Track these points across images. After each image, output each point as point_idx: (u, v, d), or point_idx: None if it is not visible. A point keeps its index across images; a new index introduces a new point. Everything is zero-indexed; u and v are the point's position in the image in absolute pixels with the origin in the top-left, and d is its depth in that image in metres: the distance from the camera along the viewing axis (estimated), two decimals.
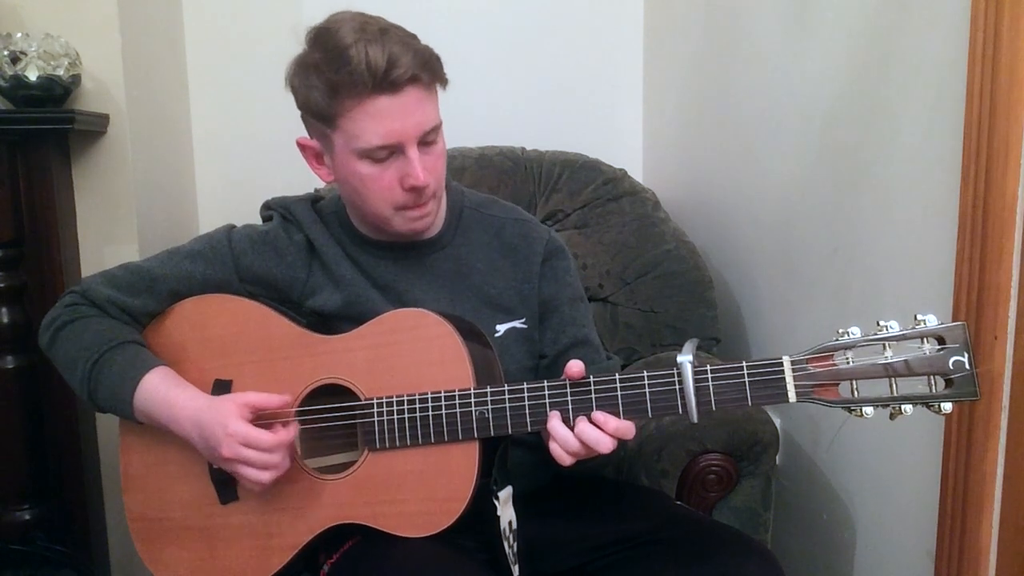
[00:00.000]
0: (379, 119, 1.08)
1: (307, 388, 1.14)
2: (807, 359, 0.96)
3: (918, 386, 0.93)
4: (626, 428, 1.00)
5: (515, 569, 1.08)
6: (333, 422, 1.13)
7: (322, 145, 1.16)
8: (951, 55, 1.16)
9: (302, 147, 1.19)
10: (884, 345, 0.93)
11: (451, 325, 1.10)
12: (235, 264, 1.22)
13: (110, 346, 1.14)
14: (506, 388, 1.05)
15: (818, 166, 1.52)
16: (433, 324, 1.10)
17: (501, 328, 1.23)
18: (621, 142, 2.26)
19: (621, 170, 1.92)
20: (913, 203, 1.28)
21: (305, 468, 1.14)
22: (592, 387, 1.02)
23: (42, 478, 1.71)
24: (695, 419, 0.98)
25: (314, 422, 1.14)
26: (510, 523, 1.10)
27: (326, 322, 1.20)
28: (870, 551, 1.44)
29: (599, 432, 1.00)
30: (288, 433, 1.08)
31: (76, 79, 1.68)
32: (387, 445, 1.09)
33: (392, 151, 1.11)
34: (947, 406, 0.92)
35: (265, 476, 1.07)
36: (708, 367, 0.98)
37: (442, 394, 1.07)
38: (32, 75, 1.61)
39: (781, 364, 0.96)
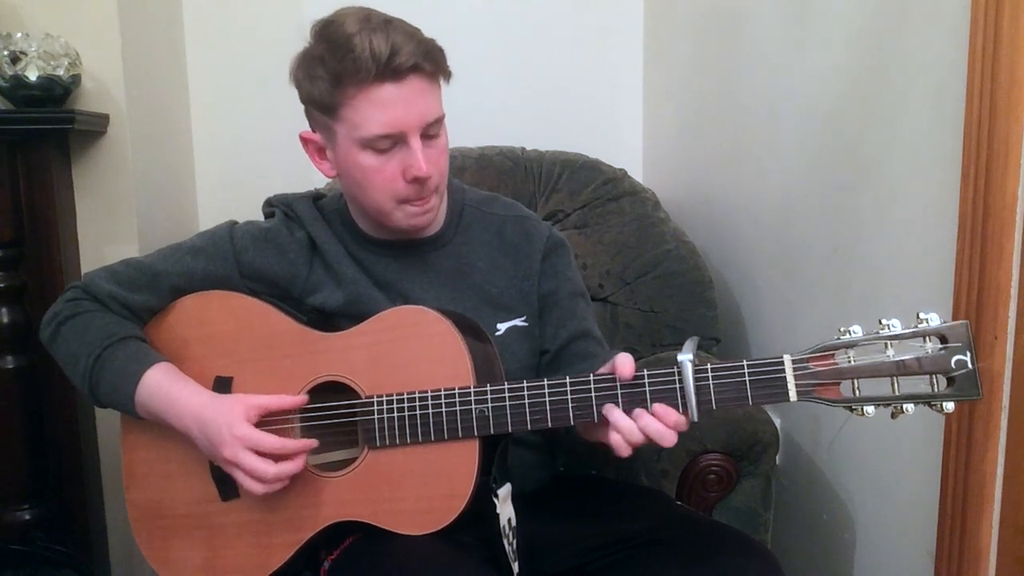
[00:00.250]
0: (382, 107, 1.08)
1: (307, 385, 1.14)
2: (808, 358, 0.95)
3: (920, 385, 0.93)
4: (684, 422, 1.00)
5: (515, 567, 1.08)
6: (333, 419, 1.13)
7: (325, 138, 1.16)
8: (951, 55, 1.16)
9: (305, 141, 1.19)
10: (886, 344, 0.93)
11: (451, 322, 1.10)
12: (236, 260, 1.22)
13: (112, 342, 1.14)
14: (506, 386, 1.05)
15: (818, 166, 1.52)
16: (433, 321, 1.10)
17: (502, 327, 1.23)
18: (621, 142, 2.26)
19: (621, 170, 1.92)
20: (913, 203, 1.28)
21: (306, 466, 1.14)
22: (592, 385, 1.02)
23: (42, 478, 1.71)
24: (696, 418, 0.98)
25: (314, 419, 1.14)
26: (509, 521, 1.10)
27: (327, 319, 1.20)
28: (870, 551, 1.44)
29: (662, 425, 0.99)
30: (294, 444, 1.07)
31: (76, 79, 1.68)
32: (387, 443, 1.09)
33: (395, 141, 1.11)
34: (949, 405, 0.92)
35: (259, 487, 1.07)
36: (709, 365, 0.98)
37: (442, 392, 1.07)
38: (32, 75, 1.61)
39: (782, 363, 0.96)
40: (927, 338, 0.92)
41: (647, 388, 1.00)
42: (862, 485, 1.45)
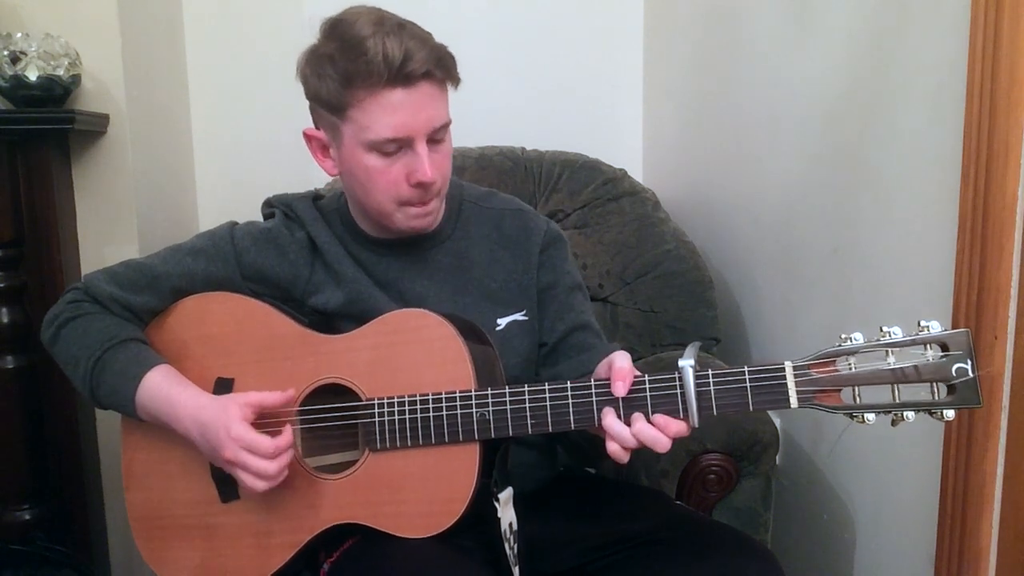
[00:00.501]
0: (391, 111, 1.08)
1: (308, 387, 1.14)
2: (809, 364, 0.95)
3: (920, 392, 0.93)
4: (684, 430, 1.00)
5: (515, 570, 1.08)
6: (334, 422, 1.13)
7: (330, 136, 1.16)
8: (951, 55, 1.16)
9: (308, 138, 1.19)
10: (887, 351, 0.93)
11: (453, 326, 1.10)
12: (237, 261, 1.22)
13: (112, 344, 1.14)
14: (507, 390, 1.05)
15: (818, 166, 1.52)
16: (435, 325, 1.10)
17: (502, 322, 1.23)
18: (621, 142, 2.26)
19: (621, 170, 1.92)
20: (913, 203, 1.28)
21: (306, 468, 1.14)
22: (593, 389, 1.02)
23: (42, 478, 1.71)
24: (696, 423, 0.98)
25: (315, 422, 1.14)
26: (510, 524, 1.10)
27: (328, 320, 1.20)
28: (870, 551, 1.44)
29: (658, 432, 0.99)
30: (286, 439, 1.08)
31: (76, 79, 1.68)
32: (388, 446, 1.09)
33: (401, 145, 1.11)
34: (950, 413, 0.92)
35: (260, 485, 1.07)
36: (710, 371, 0.98)
37: (443, 395, 1.07)
38: (32, 75, 1.61)
39: (783, 369, 0.96)
40: (928, 346, 0.92)
41: (648, 393, 1.00)
42: (862, 485, 1.45)
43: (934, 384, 0.92)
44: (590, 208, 1.86)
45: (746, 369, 0.97)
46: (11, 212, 1.64)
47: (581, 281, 1.32)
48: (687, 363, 0.97)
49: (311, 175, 1.51)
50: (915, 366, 0.92)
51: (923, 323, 0.92)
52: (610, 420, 1.00)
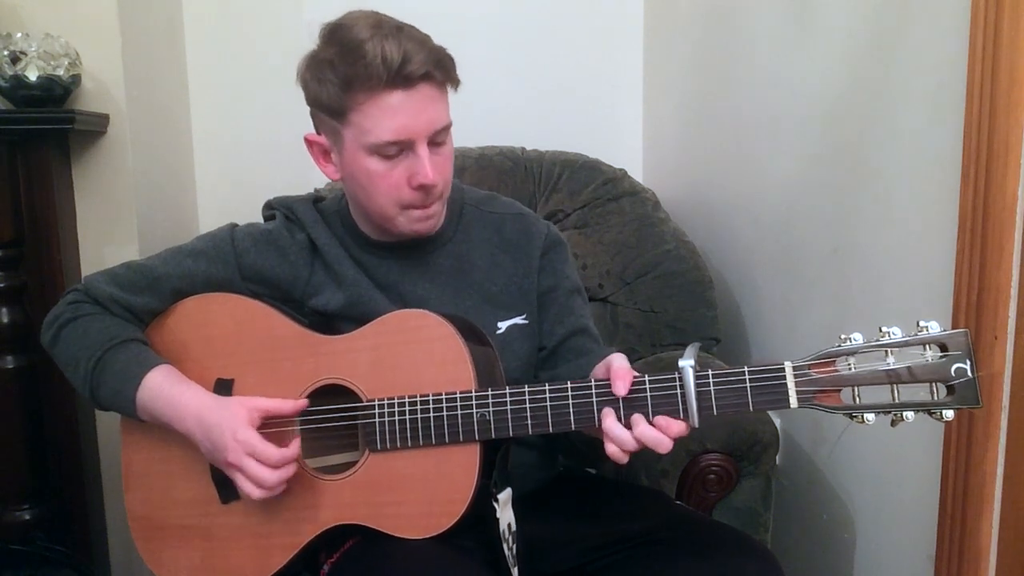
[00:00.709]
0: (391, 114, 1.08)
1: (309, 388, 1.14)
2: (809, 364, 0.95)
3: (920, 393, 0.93)
4: (685, 430, 1.00)
5: (514, 571, 1.08)
6: (334, 423, 1.13)
7: (331, 141, 1.16)
8: (951, 55, 1.16)
9: (309, 143, 1.19)
10: (886, 351, 0.93)
11: (453, 326, 1.10)
12: (238, 262, 1.22)
13: (112, 344, 1.14)
14: (507, 391, 1.05)
15: (818, 166, 1.52)
16: (435, 325, 1.10)
17: (503, 325, 1.23)
18: (621, 142, 2.26)
19: (621, 170, 1.92)
20: (913, 203, 1.28)
21: (306, 468, 1.14)
22: (593, 390, 1.02)
23: (42, 478, 1.71)
24: (696, 424, 0.98)
25: (315, 422, 1.14)
26: (509, 525, 1.10)
27: (328, 322, 1.20)
28: (870, 551, 1.44)
29: (660, 434, 0.99)
30: (293, 451, 1.08)
31: (76, 79, 1.68)
32: (388, 446, 1.09)
33: (402, 148, 1.11)
34: (949, 413, 0.92)
35: (257, 493, 1.07)
36: (710, 372, 0.98)
37: (443, 396, 1.07)
38: (32, 75, 1.61)
39: (783, 369, 0.96)
40: (927, 346, 0.92)
41: (648, 393, 1.00)
42: (862, 485, 1.45)
43: (933, 384, 0.92)
44: (590, 208, 1.86)
45: (746, 369, 0.97)
46: (11, 212, 1.64)
47: (580, 285, 1.32)
48: (687, 363, 0.97)
49: (311, 176, 1.51)
50: (914, 366, 0.92)
51: (922, 323, 0.92)
52: (610, 422, 1.00)
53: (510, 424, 1.05)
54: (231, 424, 1.07)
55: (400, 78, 1.06)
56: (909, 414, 0.93)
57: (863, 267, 1.40)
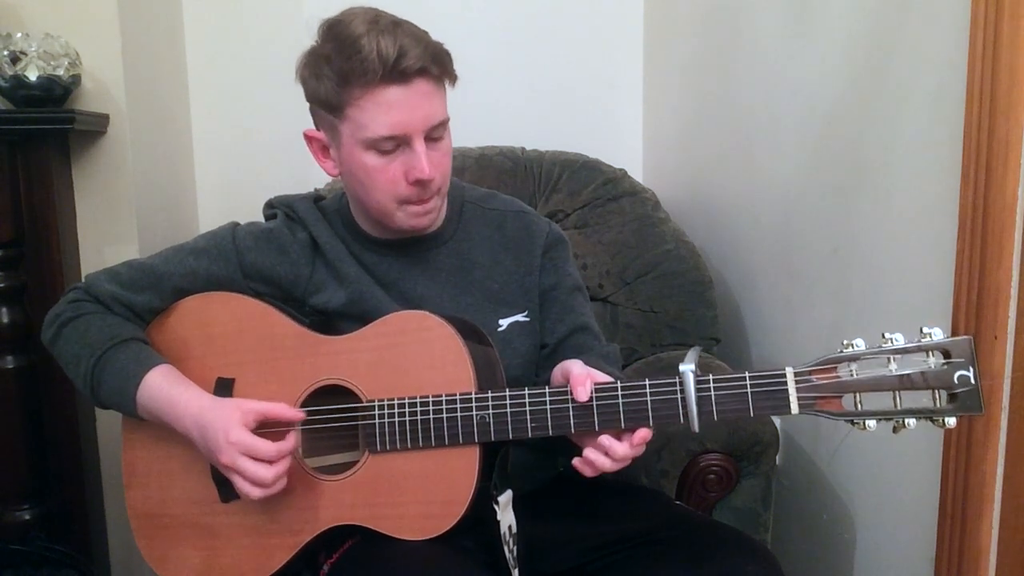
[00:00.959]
0: (387, 109, 1.08)
1: (309, 388, 1.14)
2: (811, 370, 0.95)
3: (922, 399, 0.92)
4: (629, 453, 1.01)
5: (515, 573, 1.08)
6: (334, 423, 1.13)
7: (329, 137, 1.16)
8: (951, 55, 1.16)
9: (309, 139, 1.20)
10: (889, 358, 0.92)
11: (453, 328, 1.10)
12: (239, 261, 1.22)
13: (113, 343, 1.15)
14: (507, 393, 1.05)
15: (818, 166, 1.52)
16: (436, 326, 1.10)
17: (504, 322, 1.23)
18: (621, 142, 2.26)
19: (621, 170, 1.92)
20: (913, 203, 1.28)
21: (306, 468, 1.14)
22: (593, 396, 1.02)
23: (42, 478, 1.71)
24: (696, 428, 0.98)
25: (315, 423, 1.14)
26: (510, 527, 1.10)
27: (330, 320, 1.20)
28: (870, 551, 1.44)
29: (603, 457, 1.01)
30: (288, 444, 1.08)
31: (76, 79, 1.68)
32: (388, 447, 1.09)
33: (399, 143, 1.11)
34: (951, 420, 0.91)
35: (256, 492, 1.06)
36: (711, 376, 0.98)
37: (443, 397, 1.07)
38: (32, 75, 1.61)
39: (784, 375, 0.96)
40: (930, 353, 0.92)
41: (648, 397, 1.00)
42: (862, 485, 1.45)
43: (936, 391, 0.92)
44: (590, 208, 1.86)
45: (747, 375, 0.97)
46: (11, 212, 1.64)
47: (582, 283, 1.33)
48: (688, 368, 0.97)
49: (311, 175, 1.51)
50: (917, 373, 0.91)
51: (925, 330, 0.91)
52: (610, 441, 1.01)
53: (509, 427, 1.05)
54: (224, 425, 1.07)
55: (396, 73, 1.07)
56: (911, 421, 0.93)
57: (863, 267, 1.40)
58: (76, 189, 1.75)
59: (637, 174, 2.09)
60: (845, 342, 0.94)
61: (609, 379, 1.04)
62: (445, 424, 1.07)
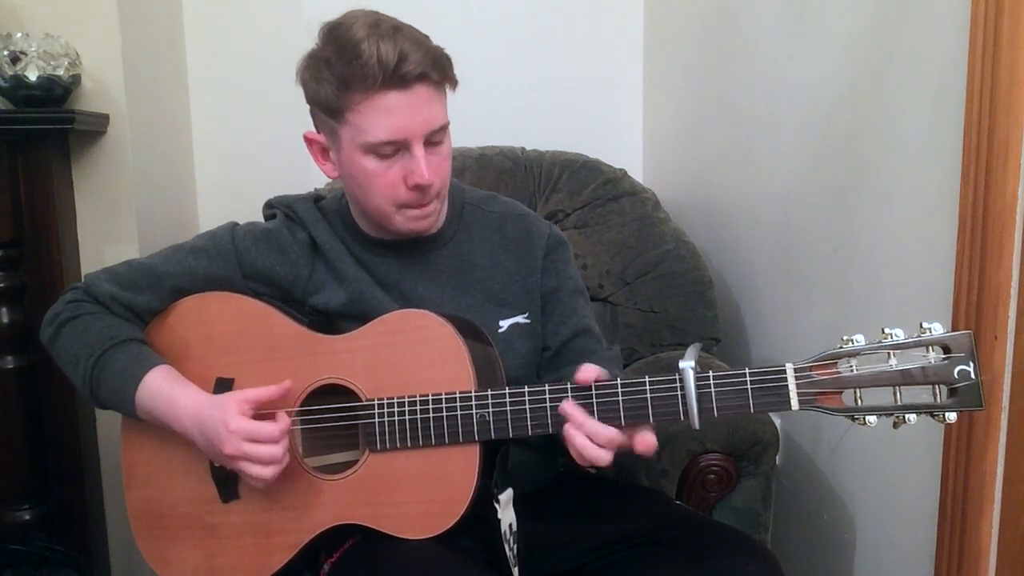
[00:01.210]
0: (387, 114, 1.08)
1: (308, 387, 1.14)
2: (811, 366, 0.95)
3: (922, 395, 0.92)
4: (615, 438, 1.00)
5: (515, 571, 1.08)
6: (334, 422, 1.13)
7: (329, 140, 1.16)
8: (951, 55, 1.16)
9: (309, 141, 1.20)
10: (888, 353, 0.92)
11: (453, 326, 1.10)
12: (238, 261, 1.22)
13: (112, 344, 1.15)
14: (507, 391, 1.05)
15: (818, 166, 1.52)
16: (435, 325, 1.10)
17: (504, 324, 1.23)
18: (621, 142, 2.26)
19: (621, 170, 1.92)
20: (913, 203, 1.28)
21: (306, 468, 1.14)
22: (593, 392, 1.02)
23: (42, 478, 1.71)
24: (696, 425, 0.97)
25: (315, 422, 1.14)
26: (510, 526, 1.10)
27: (329, 320, 1.20)
28: (870, 551, 1.44)
29: (588, 443, 1.00)
30: (284, 422, 1.08)
31: (76, 79, 1.68)
32: (388, 446, 1.09)
33: (398, 148, 1.11)
34: (951, 415, 0.91)
35: (268, 472, 1.07)
36: (710, 373, 0.98)
37: (443, 396, 1.07)
38: (32, 75, 1.61)
39: (784, 371, 0.96)
40: (930, 348, 0.91)
41: (648, 395, 1.00)
42: (862, 485, 1.45)
43: (936, 386, 0.92)
44: (590, 208, 1.85)
45: (747, 371, 0.97)
46: (11, 212, 1.64)
47: (583, 285, 1.33)
48: (688, 364, 0.97)
49: (311, 175, 1.51)
50: (917, 368, 0.91)
51: (925, 325, 0.91)
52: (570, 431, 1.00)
53: (509, 425, 1.05)
54: (222, 417, 1.07)
55: (396, 78, 1.06)
56: (911, 416, 0.92)
57: (863, 267, 1.40)
58: (76, 189, 1.75)
59: (637, 174, 2.09)
60: (845, 338, 0.94)
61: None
62: (445, 423, 1.07)
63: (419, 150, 1.11)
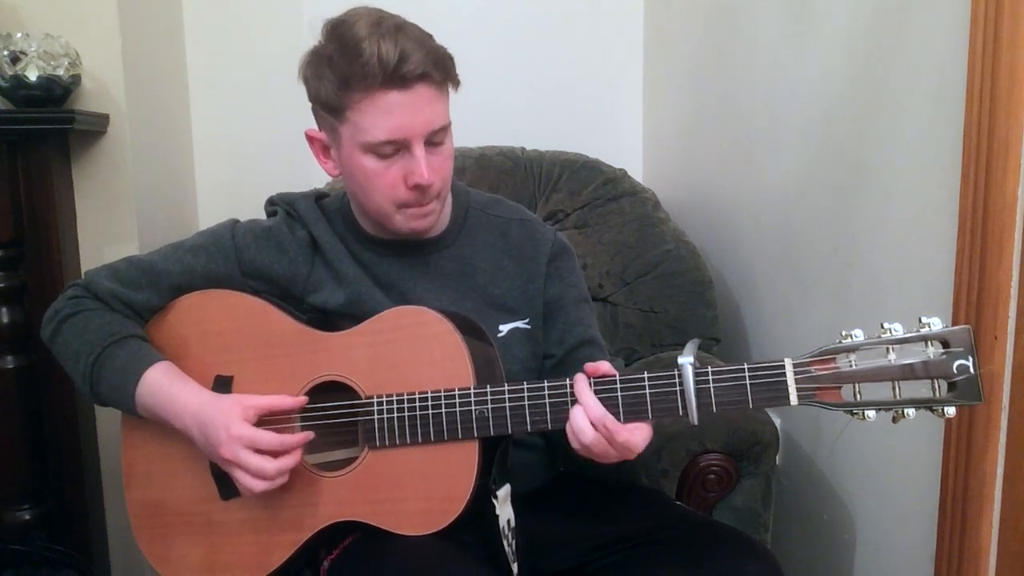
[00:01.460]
0: (387, 113, 1.08)
1: (307, 385, 1.14)
2: (810, 361, 0.95)
3: (921, 389, 0.92)
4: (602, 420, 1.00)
5: (514, 567, 1.08)
6: (333, 419, 1.13)
7: (330, 138, 1.16)
8: (951, 55, 1.16)
9: (310, 139, 1.20)
10: (888, 348, 0.92)
11: (451, 323, 1.10)
12: (237, 258, 1.22)
13: (112, 340, 1.15)
14: (506, 388, 1.05)
15: (818, 166, 1.52)
16: (434, 322, 1.10)
17: (504, 328, 1.23)
18: (621, 142, 2.26)
19: (621, 170, 1.92)
20: (913, 203, 1.28)
21: (305, 465, 1.14)
22: (592, 387, 1.02)
23: (42, 478, 1.71)
24: (695, 421, 0.97)
25: (314, 419, 1.14)
26: (509, 522, 1.10)
27: (328, 319, 1.20)
28: (870, 551, 1.44)
29: (585, 422, 1.00)
30: (297, 439, 1.08)
31: (76, 79, 1.68)
32: (387, 443, 1.09)
33: (398, 147, 1.11)
34: (951, 410, 0.91)
35: (258, 485, 1.07)
36: (709, 368, 0.98)
37: (442, 393, 1.07)
38: (32, 75, 1.61)
39: (783, 366, 0.96)
40: (929, 342, 0.91)
41: (647, 390, 1.00)
42: (862, 485, 1.45)
43: (935, 381, 0.92)
44: (590, 208, 1.86)
45: (746, 366, 0.97)
46: (11, 212, 1.64)
47: (588, 294, 1.33)
48: (686, 360, 0.97)
49: (311, 175, 1.51)
50: (916, 363, 0.92)
51: (924, 319, 0.92)
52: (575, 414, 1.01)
53: (508, 421, 1.05)
54: (224, 420, 1.07)
55: (396, 78, 1.06)
56: (910, 411, 0.92)
57: (863, 267, 1.40)
58: (76, 189, 1.75)
59: (637, 174, 2.10)
60: (844, 332, 0.94)
61: None
62: (444, 419, 1.07)
63: (419, 150, 1.10)
